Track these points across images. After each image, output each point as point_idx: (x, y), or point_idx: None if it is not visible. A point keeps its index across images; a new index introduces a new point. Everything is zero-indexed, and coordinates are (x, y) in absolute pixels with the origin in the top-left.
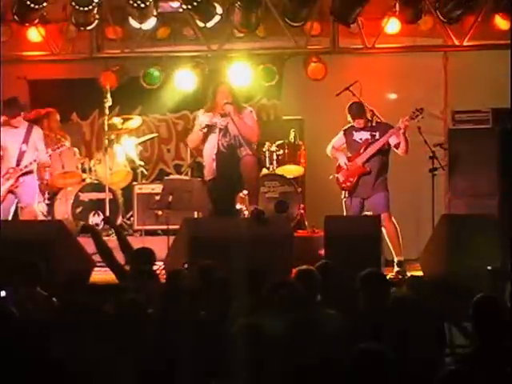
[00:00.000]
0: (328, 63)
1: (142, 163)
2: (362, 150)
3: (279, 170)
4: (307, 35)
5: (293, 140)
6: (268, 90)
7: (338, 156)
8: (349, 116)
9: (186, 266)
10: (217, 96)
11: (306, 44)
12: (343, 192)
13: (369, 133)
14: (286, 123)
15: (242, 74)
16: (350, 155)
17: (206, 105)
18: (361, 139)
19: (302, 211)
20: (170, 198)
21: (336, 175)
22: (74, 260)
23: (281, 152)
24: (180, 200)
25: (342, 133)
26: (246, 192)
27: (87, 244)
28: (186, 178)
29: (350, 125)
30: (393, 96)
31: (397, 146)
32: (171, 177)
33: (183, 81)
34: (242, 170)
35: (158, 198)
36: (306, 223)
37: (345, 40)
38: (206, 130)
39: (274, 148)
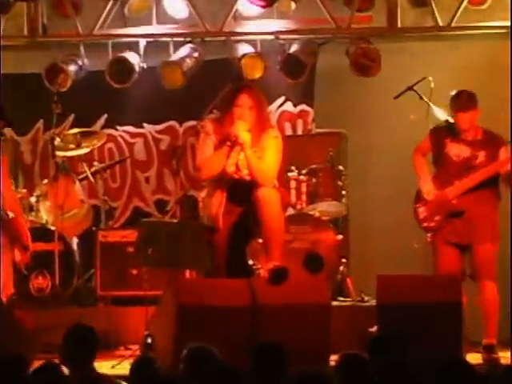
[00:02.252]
0: (383, 51)
1: (107, 198)
2: (456, 179)
3: (311, 209)
4: (351, 9)
5: (330, 164)
6: (294, 91)
7: (420, 175)
8: (442, 113)
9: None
10: (234, 108)
11: (349, 22)
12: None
13: (470, 149)
14: (320, 140)
15: (255, 66)
16: (435, 173)
17: (205, 112)
18: (458, 156)
19: (345, 268)
20: (150, 251)
21: (415, 206)
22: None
23: (313, 182)
24: (164, 253)
25: (427, 135)
26: (261, 241)
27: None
28: (173, 220)
29: (443, 124)
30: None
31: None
32: (151, 219)
33: (169, 76)
34: (257, 209)
35: (131, 249)
36: (350, 286)
37: (406, 16)
38: (231, 144)
39: (303, 176)
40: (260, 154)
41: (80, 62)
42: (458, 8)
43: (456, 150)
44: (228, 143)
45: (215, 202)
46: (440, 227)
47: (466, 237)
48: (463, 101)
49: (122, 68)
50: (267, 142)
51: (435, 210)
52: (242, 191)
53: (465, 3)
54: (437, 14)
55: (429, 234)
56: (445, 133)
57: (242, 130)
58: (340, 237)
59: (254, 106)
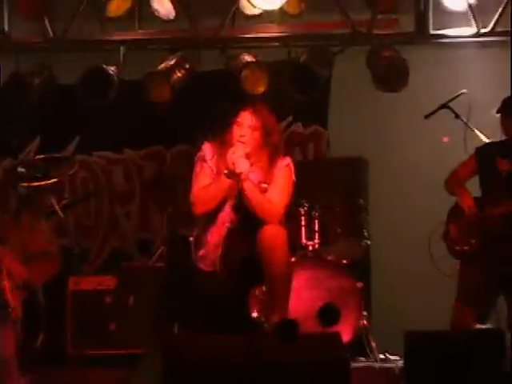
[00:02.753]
0: (411, 61)
1: (80, 238)
2: (505, 198)
3: (325, 250)
4: (373, 10)
5: (349, 196)
6: (304, 109)
7: (459, 192)
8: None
9: None
10: (234, 126)
11: (370, 26)
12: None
13: None
14: (335, 167)
15: (257, 79)
16: (481, 194)
17: (197, 134)
18: (510, 172)
19: (366, 322)
20: (131, 300)
21: (447, 225)
22: None
23: (328, 218)
24: (148, 303)
25: (472, 154)
26: (265, 288)
27: None
28: (159, 264)
29: (487, 142)
30: None
31: None
32: (133, 263)
33: (154, 91)
34: (261, 250)
35: (108, 299)
36: (374, 344)
37: (438, 20)
38: (228, 173)
39: (315, 211)
40: (265, 186)
41: (47, 74)
42: (501, 13)
43: (508, 167)
44: (225, 171)
45: (211, 241)
46: (474, 254)
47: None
48: None
49: (98, 81)
50: (276, 171)
51: (472, 231)
52: (243, 228)
53: (507, 6)
54: (474, 18)
55: (458, 261)
56: (494, 150)
57: (240, 156)
58: (360, 284)
59: (259, 127)
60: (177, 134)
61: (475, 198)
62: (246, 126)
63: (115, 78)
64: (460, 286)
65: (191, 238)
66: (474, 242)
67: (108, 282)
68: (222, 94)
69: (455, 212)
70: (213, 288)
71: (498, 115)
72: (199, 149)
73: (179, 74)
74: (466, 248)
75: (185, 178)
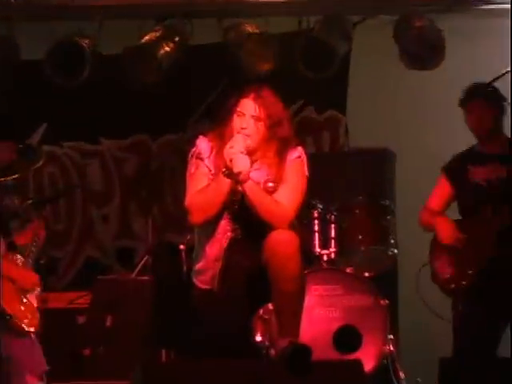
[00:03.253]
0: (448, 33)
1: (47, 246)
2: (487, 209)
3: (343, 261)
4: None
5: (372, 196)
6: (318, 91)
7: (434, 220)
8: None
9: None
10: (233, 120)
11: None
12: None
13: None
14: (356, 160)
15: (261, 55)
16: (464, 217)
17: (189, 121)
18: (488, 179)
19: (392, 347)
20: (109, 321)
21: (430, 263)
22: None
23: (346, 222)
24: (130, 325)
25: (441, 175)
26: (272, 307)
27: None
28: (143, 278)
29: (453, 156)
30: None
31: None
32: (112, 276)
33: (137, 67)
34: (267, 261)
35: (82, 320)
36: (402, 374)
37: None
38: (227, 172)
39: (331, 214)
40: (273, 185)
41: (8, 47)
42: None
43: (484, 174)
44: (224, 170)
45: (211, 253)
46: (475, 287)
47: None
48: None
49: (69, 56)
50: (285, 165)
51: (467, 260)
52: (248, 238)
53: None
54: None
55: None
56: (463, 160)
57: (239, 151)
58: (385, 302)
59: (264, 117)
60: (165, 121)
61: (457, 222)
62: (248, 115)
63: (90, 52)
64: (463, 331)
65: (182, 246)
66: (471, 272)
67: (81, 298)
68: (219, 74)
69: (435, 245)
70: (210, 310)
71: None
72: (192, 142)
73: (167, 49)
74: (463, 283)
75: (174, 174)
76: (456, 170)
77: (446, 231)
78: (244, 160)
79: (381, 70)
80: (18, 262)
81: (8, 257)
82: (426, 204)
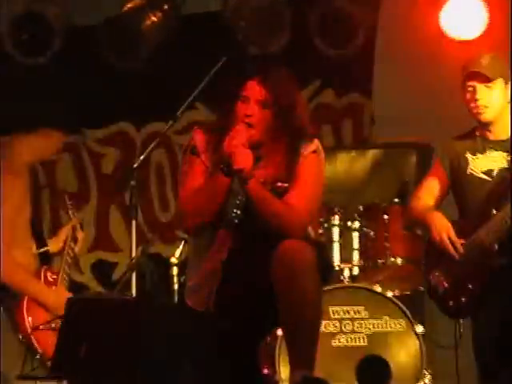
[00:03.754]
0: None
1: None
2: (492, 207)
3: (368, 275)
4: None
5: (403, 198)
6: (338, 69)
7: (425, 216)
8: None
9: None
10: (236, 106)
11: None
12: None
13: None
14: (385, 155)
15: (267, 25)
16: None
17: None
18: (488, 172)
19: (428, 382)
20: (83, 351)
21: (425, 272)
22: None
23: (371, 232)
24: (108, 355)
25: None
26: (282, 333)
27: None
28: (125, 297)
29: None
30: None
31: None
32: (86, 294)
33: (118, 43)
34: (277, 277)
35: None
36: None
37: None
38: (226, 169)
39: (354, 221)
40: (283, 185)
41: None
42: None
43: (483, 165)
44: (222, 167)
45: (206, 267)
46: (475, 303)
47: None
48: None
49: (33, 29)
50: (298, 162)
51: (467, 271)
52: (251, 248)
53: None
54: None
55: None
56: (462, 146)
57: (241, 145)
58: (420, 328)
59: (272, 103)
60: (151, 106)
61: (453, 223)
62: (254, 100)
63: (59, 24)
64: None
65: (173, 259)
66: (471, 287)
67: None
68: (217, 49)
69: (432, 255)
70: (206, 338)
71: None
72: (185, 133)
73: (154, 19)
74: (463, 299)
75: (162, 172)
76: (454, 154)
77: (438, 226)
78: (246, 155)
79: (414, 47)
80: (50, 279)
81: (40, 274)
82: (413, 196)
